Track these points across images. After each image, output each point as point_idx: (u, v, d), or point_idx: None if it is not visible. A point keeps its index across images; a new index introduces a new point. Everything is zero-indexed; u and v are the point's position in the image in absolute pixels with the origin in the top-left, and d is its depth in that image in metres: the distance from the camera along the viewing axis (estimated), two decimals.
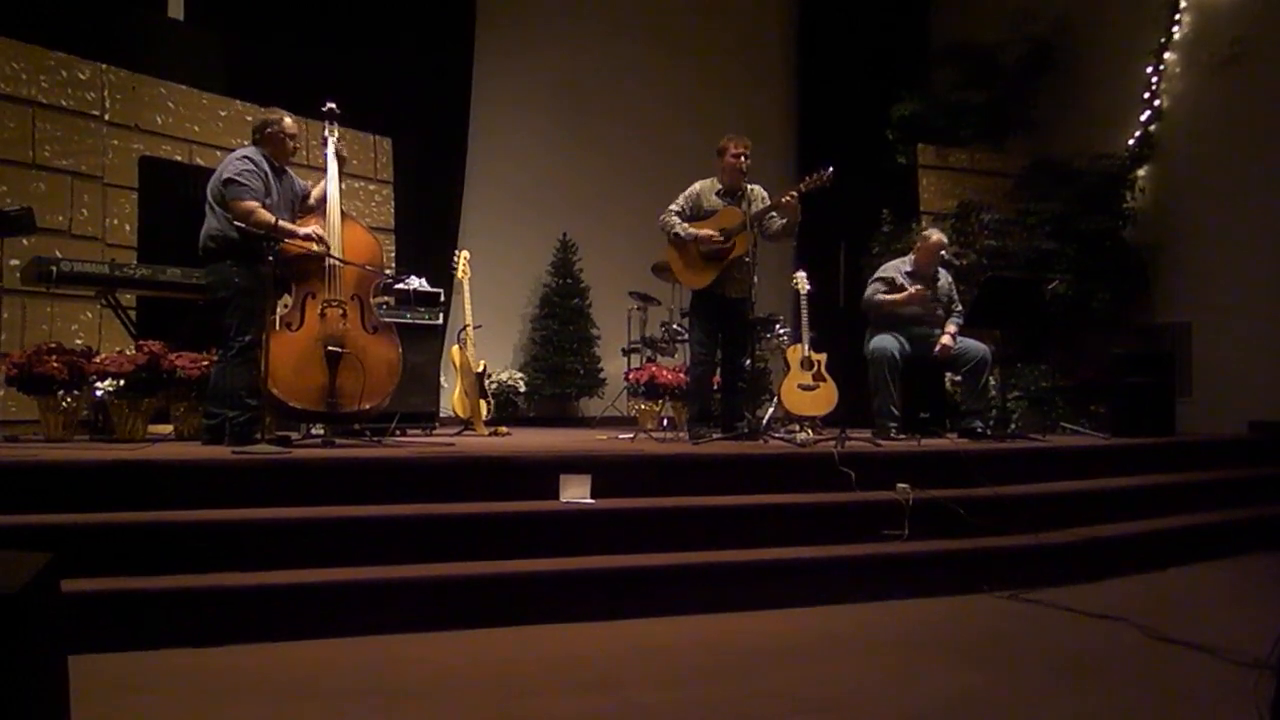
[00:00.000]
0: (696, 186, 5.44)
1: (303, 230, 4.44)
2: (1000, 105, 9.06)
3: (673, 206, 5.39)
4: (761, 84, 11.14)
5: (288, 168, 4.81)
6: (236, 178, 4.41)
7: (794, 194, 5.14)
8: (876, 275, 6.10)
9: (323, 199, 4.76)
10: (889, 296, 5.89)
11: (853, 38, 10.66)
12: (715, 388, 5.80)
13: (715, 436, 5.20)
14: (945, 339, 5.78)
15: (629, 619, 3.39)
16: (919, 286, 5.85)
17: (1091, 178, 8.38)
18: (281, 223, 4.38)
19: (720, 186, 5.40)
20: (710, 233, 5.22)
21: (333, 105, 4.76)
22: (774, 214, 5.31)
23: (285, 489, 3.61)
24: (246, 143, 4.76)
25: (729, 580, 3.64)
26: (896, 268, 6.07)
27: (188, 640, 2.93)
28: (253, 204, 4.38)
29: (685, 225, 5.28)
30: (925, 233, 6.23)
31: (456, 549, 3.49)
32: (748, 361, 5.51)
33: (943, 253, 6.07)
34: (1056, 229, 8.12)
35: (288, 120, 4.72)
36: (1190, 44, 8.18)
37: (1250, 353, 7.38)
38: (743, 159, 5.28)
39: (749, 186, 5.35)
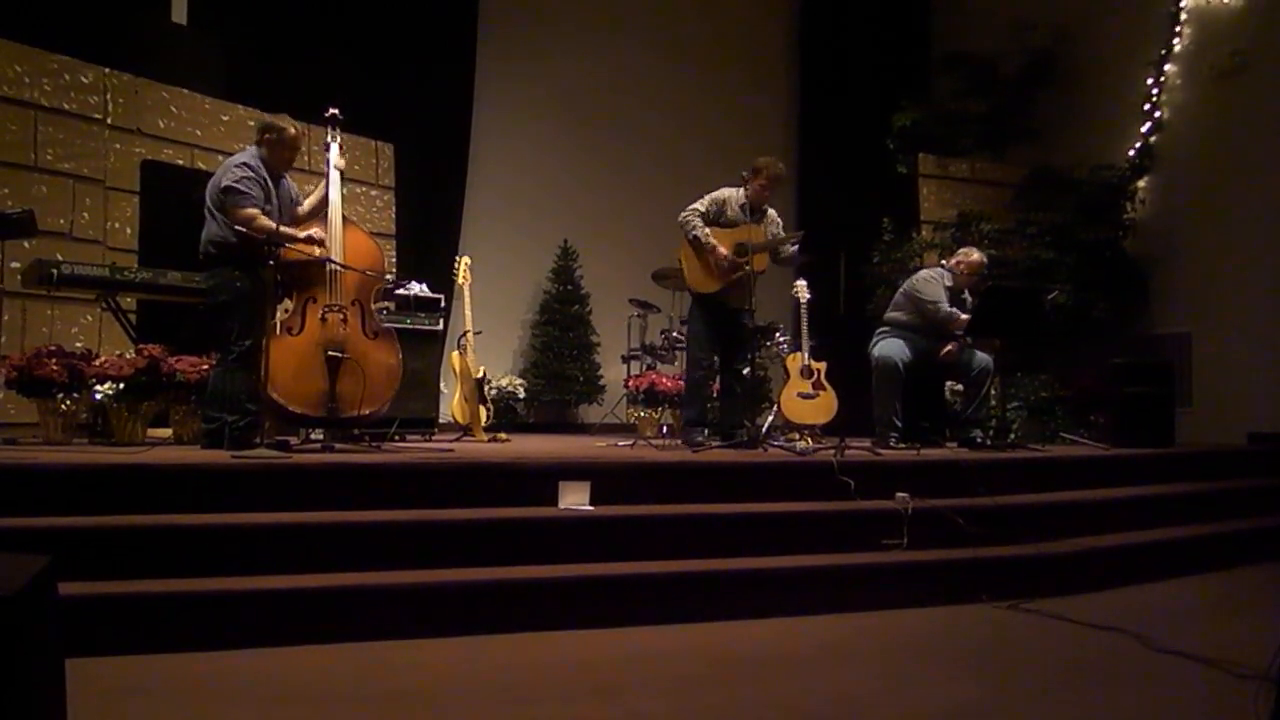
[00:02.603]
0: (724, 193, 5.43)
1: (303, 234, 4.44)
2: (1000, 115, 9.08)
3: (697, 206, 5.37)
4: (763, 93, 11.17)
5: (285, 175, 4.80)
6: (236, 185, 4.39)
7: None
8: (931, 281, 5.93)
9: (316, 208, 4.76)
10: (965, 316, 5.82)
11: (853, 47, 10.70)
12: (713, 394, 5.81)
13: (714, 445, 5.19)
14: (952, 345, 5.77)
15: (628, 626, 3.38)
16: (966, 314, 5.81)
17: (1092, 188, 8.40)
18: (282, 228, 4.38)
19: (745, 201, 5.39)
20: (728, 255, 5.23)
21: (335, 111, 4.75)
22: (789, 244, 5.39)
23: (284, 494, 3.61)
24: (245, 146, 4.74)
25: (728, 588, 3.63)
26: (941, 278, 5.98)
27: (186, 645, 2.92)
28: (253, 211, 4.38)
29: (707, 232, 5.29)
30: (966, 249, 6.12)
31: (455, 555, 3.48)
32: (746, 370, 5.51)
33: (941, 261, 6.04)
34: (1056, 239, 8.13)
35: (291, 131, 4.65)
36: (1190, 55, 8.21)
37: (1250, 364, 7.39)
38: (768, 191, 5.35)
39: (768, 209, 5.44)
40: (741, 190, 5.42)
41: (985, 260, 6.05)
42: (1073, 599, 3.90)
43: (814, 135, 10.98)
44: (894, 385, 5.72)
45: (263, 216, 4.37)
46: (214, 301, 4.53)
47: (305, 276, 4.43)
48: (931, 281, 5.94)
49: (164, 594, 3.01)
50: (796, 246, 5.42)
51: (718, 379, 5.70)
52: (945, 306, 5.82)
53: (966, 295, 6.02)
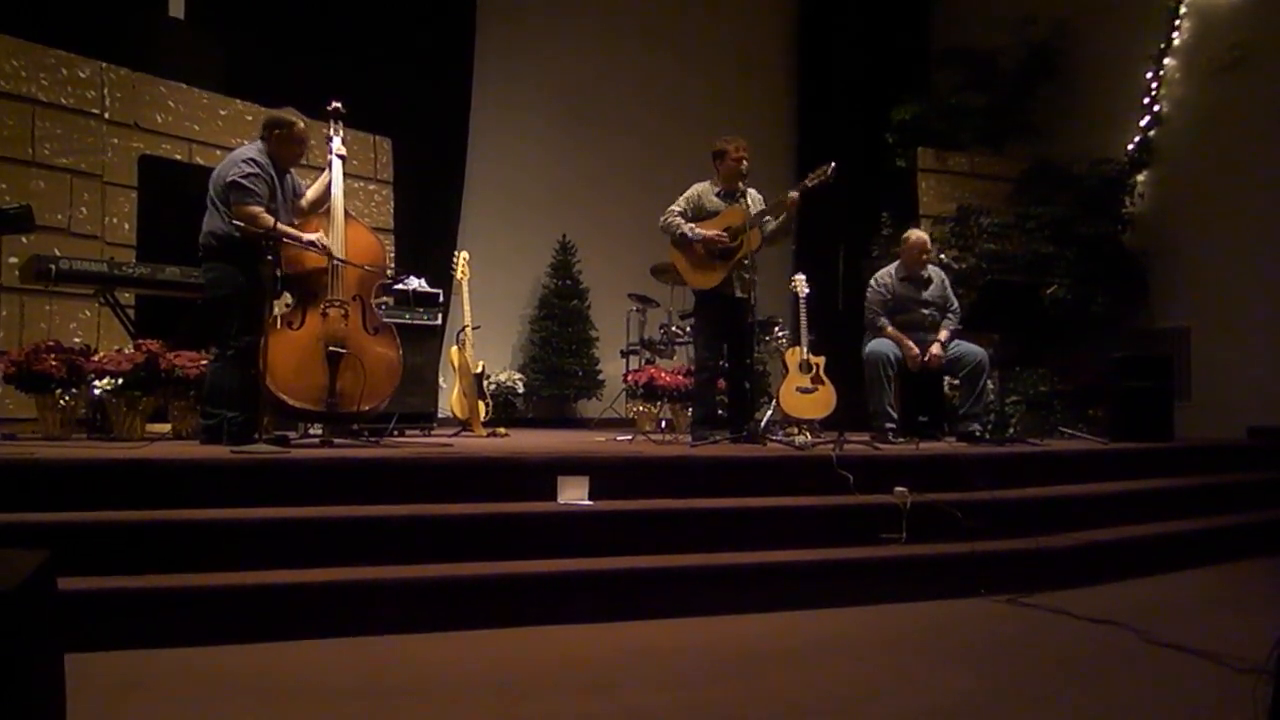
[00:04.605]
0: (696, 188, 5.43)
1: (306, 236, 4.42)
2: (1000, 109, 9.08)
3: (674, 208, 5.37)
4: (761, 87, 11.16)
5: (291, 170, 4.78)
6: (242, 181, 4.37)
7: (794, 194, 5.15)
8: (873, 286, 6.07)
9: (316, 202, 4.75)
10: (891, 329, 5.90)
11: (853, 41, 10.68)
12: (719, 390, 5.80)
13: (718, 439, 5.17)
14: (934, 347, 5.78)
15: (626, 621, 3.38)
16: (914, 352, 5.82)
17: (1091, 182, 8.39)
18: (283, 226, 4.36)
19: (719, 188, 5.40)
20: (717, 233, 5.22)
21: (338, 105, 4.74)
22: (769, 216, 5.32)
23: (283, 489, 3.61)
24: (248, 141, 4.72)
25: (726, 583, 3.64)
26: (889, 274, 6.06)
27: (185, 639, 2.92)
28: (257, 209, 4.36)
29: (691, 226, 5.27)
30: (905, 234, 6.22)
31: (454, 550, 3.48)
32: (749, 360, 5.51)
33: (941, 255, 6.04)
34: (1056, 233, 8.13)
35: (299, 126, 4.61)
36: (1190, 49, 8.20)
37: (1249, 358, 7.39)
38: (743, 162, 5.27)
39: (746, 189, 5.35)
40: (711, 180, 5.42)
41: (924, 237, 6.08)
42: (1071, 593, 3.90)
43: (813, 129, 10.96)
44: (885, 376, 5.75)
45: (265, 215, 4.35)
46: (213, 297, 4.52)
47: (311, 280, 4.43)
48: (870, 292, 6.06)
49: (163, 589, 3.01)
50: (782, 220, 5.31)
51: (724, 374, 5.70)
52: (877, 317, 5.94)
53: (934, 277, 6.04)
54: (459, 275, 6.56)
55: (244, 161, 4.45)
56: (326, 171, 4.71)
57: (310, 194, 4.80)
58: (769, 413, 6.98)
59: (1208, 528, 4.95)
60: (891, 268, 6.14)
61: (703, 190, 5.41)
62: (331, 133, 4.73)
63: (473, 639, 3.15)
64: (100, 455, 3.68)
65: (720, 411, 5.73)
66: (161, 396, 5.14)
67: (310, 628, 3.07)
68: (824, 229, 8.34)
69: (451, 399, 6.51)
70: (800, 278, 6.77)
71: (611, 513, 3.82)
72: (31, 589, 1.57)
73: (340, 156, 4.69)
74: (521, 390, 9.41)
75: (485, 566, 3.42)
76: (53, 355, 4.84)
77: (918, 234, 6.11)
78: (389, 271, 5.96)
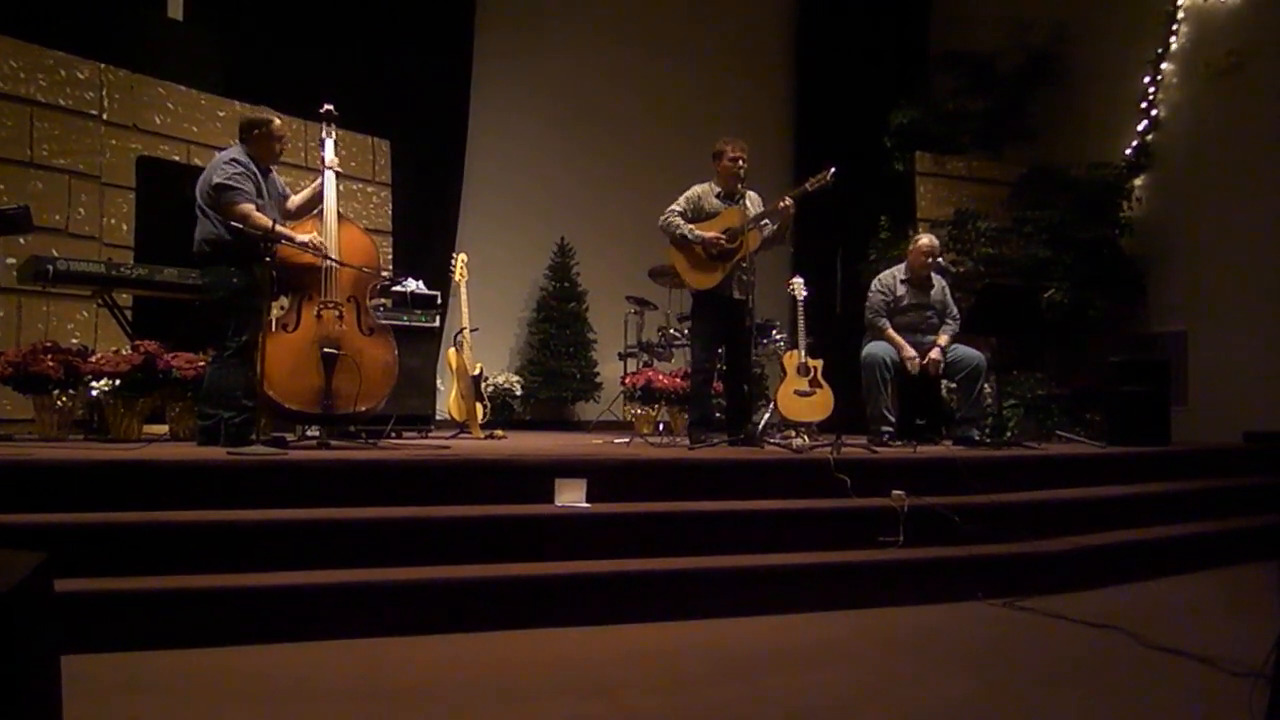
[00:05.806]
0: (696, 189, 5.44)
1: (300, 236, 4.42)
2: (998, 113, 9.09)
3: (674, 208, 5.37)
4: (760, 90, 11.16)
5: (272, 169, 4.78)
6: (229, 182, 4.38)
7: (789, 200, 5.16)
8: (874, 287, 6.12)
9: (304, 208, 4.75)
10: (890, 331, 5.95)
11: (851, 45, 10.71)
12: (716, 393, 5.80)
13: (715, 441, 5.18)
14: (934, 352, 5.80)
15: (624, 624, 3.38)
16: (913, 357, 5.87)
17: (1089, 186, 8.40)
18: (278, 226, 4.37)
19: (719, 189, 5.40)
20: (716, 234, 5.23)
21: (330, 107, 4.74)
22: (767, 220, 5.33)
23: (280, 491, 3.60)
24: (234, 143, 4.74)
25: (724, 586, 3.63)
26: (893, 275, 6.10)
27: (182, 641, 2.92)
28: (249, 207, 4.37)
29: (690, 227, 5.28)
30: (915, 236, 6.27)
31: (451, 552, 3.48)
32: (747, 363, 5.51)
33: (940, 259, 6.07)
34: (1053, 237, 8.14)
35: (276, 122, 4.68)
36: (1187, 54, 8.22)
37: (1246, 362, 7.40)
38: (740, 162, 5.28)
39: (745, 191, 5.36)
40: (711, 182, 5.43)
41: (934, 242, 6.12)
42: (1068, 596, 3.90)
43: (811, 133, 10.96)
44: (882, 380, 5.78)
45: (258, 213, 4.36)
46: (210, 298, 4.52)
47: (302, 275, 4.43)
48: (871, 293, 6.10)
49: (160, 590, 3.01)
50: (779, 224, 5.32)
51: (721, 376, 5.69)
52: (878, 318, 6.00)
53: (935, 284, 6.08)
54: (457, 277, 6.55)
55: (227, 163, 4.47)
56: (318, 180, 4.70)
57: (298, 199, 4.80)
58: (766, 415, 6.98)
59: (1204, 532, 4.95)
60: (896, 269, 6.17)
61: (703, 191, 5.42)
62: (325, 135, 4.72)
63: (470, 641, 3.14)
64: (97, 456, 3.67)
65: (718, 414, 5.74)
66: (159, 398, 5.14)
67: (308, 630, 3.06)
68: (822, 232, 8.34)
69: (449, 401, 6.50)
70: (798, 281, 6.77)
71: (609, 515, 3.82)
72: (28, 590, 1.57)
73: (333, 166, 4.67)
74: (519, 392, 9.42)
75: (482, 569, 3.41)
76: (50, 356, 4.84)
77: (928, 238, 6.16)
78: (384, 273, 5.97)
